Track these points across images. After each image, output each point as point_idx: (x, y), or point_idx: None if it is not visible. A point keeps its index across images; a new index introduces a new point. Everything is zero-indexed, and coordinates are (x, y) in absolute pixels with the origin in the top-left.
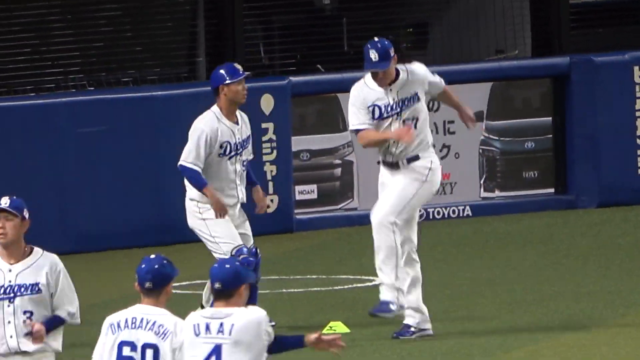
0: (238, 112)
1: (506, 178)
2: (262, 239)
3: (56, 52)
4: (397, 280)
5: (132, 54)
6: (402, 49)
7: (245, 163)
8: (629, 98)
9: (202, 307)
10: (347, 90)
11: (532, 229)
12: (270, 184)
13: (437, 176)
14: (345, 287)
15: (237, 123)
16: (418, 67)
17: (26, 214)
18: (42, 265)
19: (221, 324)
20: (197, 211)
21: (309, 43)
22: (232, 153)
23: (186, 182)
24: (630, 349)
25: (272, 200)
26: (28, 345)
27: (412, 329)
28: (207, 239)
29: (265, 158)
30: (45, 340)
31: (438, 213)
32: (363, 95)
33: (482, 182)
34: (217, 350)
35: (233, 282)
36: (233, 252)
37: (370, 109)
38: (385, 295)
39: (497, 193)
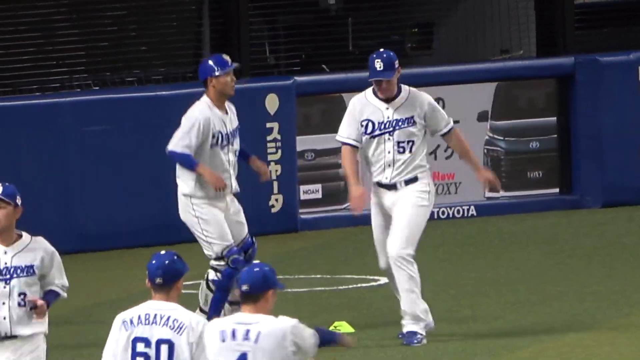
0: (226, 103)
1: (511, 178)
2: (267, 239)
3: (61, 52)
4: (396, 291)
5: (137, 53)
6: (407, 49)
7: (237, 153)
8: (633, 98)
9: (201, 309)
10: (352, 90)
11: (537, 229)
12: (275, 184)
13: (433, 199)
14: (350, 286)
15: (226, 113)
16: (422, 94)
17: (19, 201)
18: (36, 248)
19: (247, 331)
20: (190, 207)
21: (314, 43)
22: (225, 143)
23: (178, 175)
24: (634, 349)
25: (276, 200)
26: (22, 329)
27: (419, 335)
28: (199, 237)
29: (270, 158)
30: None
31: (443, 213)
32: (360, 107)
33: None
34: (243, 358)
35: (261, 286)
36: (224, 253)
37: (364, 123)
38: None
39: (502, 193)
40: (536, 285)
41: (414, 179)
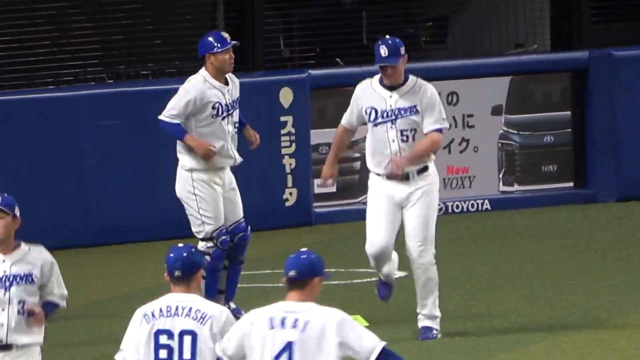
0: (228, 75)
1: (525, 172)
2: (281, 232)
3: (76, 45)
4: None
5: (151, 47)
6: (421, 42)
7: (236, 125)
8: None
9: None
10: None
11: (551, 223)
12: (289, 177)
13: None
14: (364, 280)
15: (226, 84)
16: (431, 88)
17: (17, 212)
18: (35, 258)
19: (296, 320)
20: (189, 183)
21: (329, 36)
22: (224, 114)
23: (178, 150)
24: None
25: (291, 194)
26: (19, 338)
27: (435, 332)
28: (193, 214)
29: (284, 151)
30: (45, 324)
31: (457, 207)
32: (362, 94)
33: (501, 176)
34: (289, 346)
35: (307, 273)
36: (214, 234)
37: (368, 110)
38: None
39: (516, 187)
40: (551, 280)
41: (425, 168)
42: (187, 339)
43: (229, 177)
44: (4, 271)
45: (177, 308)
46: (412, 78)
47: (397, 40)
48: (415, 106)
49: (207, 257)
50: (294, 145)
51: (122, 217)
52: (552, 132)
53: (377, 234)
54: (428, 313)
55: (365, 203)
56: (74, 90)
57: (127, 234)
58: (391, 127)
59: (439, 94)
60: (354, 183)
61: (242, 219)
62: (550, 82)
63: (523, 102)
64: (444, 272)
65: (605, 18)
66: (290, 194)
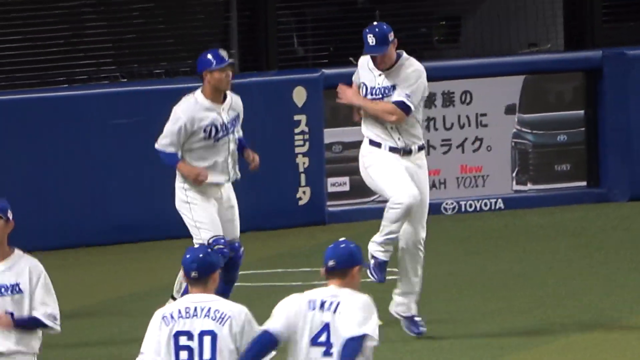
0: (227, 92)
1: (538, 171)
2: (294, 231)
3: (89, 44)
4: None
5: (164, 45)
6: (434, 41)
7: (237, 141)
8: None
9: (174, 298)
10: None
11: (564, 222)
12: (303, 176)
13: None
14: None
15: (222, 103)
16: (412, 67)
17: (10, 216)
18: (24, 267)
19: (331, 303)
20: (183, 193)
21: (342, 35)
22: (221, 134)
23: None
24: None
25: (304, 193)
26: (8, 345)
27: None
28: (189, 223)
29: (297, 150)
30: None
31: (470, 206)
32: (362, 70)
33: (514, 175)
34: (326, 327)
35: (347, 262)
36: (210, 241)
37: (361, 85)
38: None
39: (529, 186)
40: (563, 279)
41: (422, 147)
42: (207, 340)
43: (227, 193)
44: None
45: (195, 309)
46: (403, 57)
47: (385, 27)
48: (394, 86)
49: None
50: (307, 144)
51: (132, 216)
52: (565, 131)
53: (409, 185)
54: (418, 292)
55: (378, 202)
56: (87, 89)
57: (138, 232)
58: None
59: (452, 93)
60: None
61: (237, 241)
62: (564, 81)
63: (536, 101)
64: (456, 271)
65: (618, 17)
66: (304, 192)
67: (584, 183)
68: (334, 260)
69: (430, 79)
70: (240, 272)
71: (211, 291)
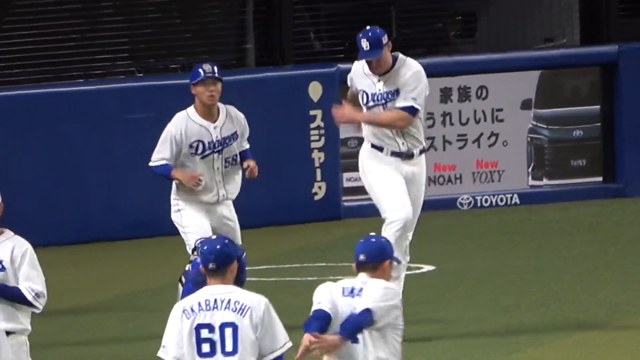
0: (226, 109)
1: (554, 166)
2: (310, 226)
3: (105, 39)
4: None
5: (180, 40)
6: (450, 37)
7: (230, 159)
8: None
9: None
10: None
11: (580, 217)
12: (318, 171)
13: None
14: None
15: (214, 121)
16: (411, 69)
17: None
18: (9, 245)
19: (360, 289)
20: (176, 204)
21: (357, 30)
22: (208, 152)
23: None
24: None
25: (320, 188)
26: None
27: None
28: (180, 230)
29: (313, 145)
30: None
31: (486, 201)
32: (358, 77)
33: (530, 170)
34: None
35: (377, 256)
36: (197, 244)
37: (361, 93)
38: None
39: (545, 181)
40: (579, 274)
41: (423, 150)
42: (228, 331)
43: (221, 211)
44: None
45: (215, 301)
46: (400, 59)
47: (378, 31)
48: (397, 90)
49: (188, 266)
50: (323, 139)
51: (149, 210)
52: (581, 126)
53: (404, 201)
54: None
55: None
56: (103, 83)
57: (154, 227)
58: (384, 110)
59: (468, 88)
60: None
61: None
62: (580, 76)
63: (552, 96)
64: (472, 266)
65: (634, 12)
66: (320, 187)
67: (600, 178)
68: (364, 255)
69: (446, 74)
70: (255, 268)
71: (230, 282)
